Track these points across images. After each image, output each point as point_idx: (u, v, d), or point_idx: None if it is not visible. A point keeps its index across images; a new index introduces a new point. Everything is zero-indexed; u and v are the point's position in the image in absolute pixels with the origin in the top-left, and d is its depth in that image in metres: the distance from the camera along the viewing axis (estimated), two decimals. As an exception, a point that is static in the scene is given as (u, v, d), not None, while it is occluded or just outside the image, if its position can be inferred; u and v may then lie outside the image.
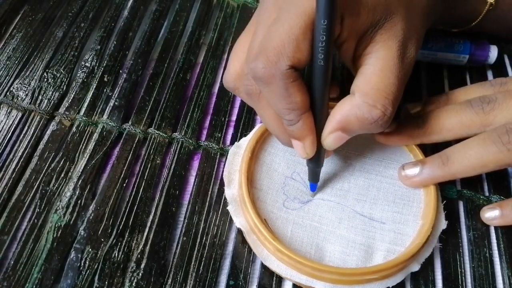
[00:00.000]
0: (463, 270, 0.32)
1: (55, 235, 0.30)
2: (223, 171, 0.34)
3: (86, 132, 0.35)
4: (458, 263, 0.32)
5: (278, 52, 0.26)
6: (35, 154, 0.34)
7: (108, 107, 0.37)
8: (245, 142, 0.34)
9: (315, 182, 0.32)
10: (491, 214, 0.33)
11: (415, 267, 0.30)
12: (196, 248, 0.31)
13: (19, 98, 0.36)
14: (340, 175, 0.34)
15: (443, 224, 0.32)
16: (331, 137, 0.29)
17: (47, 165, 0.33)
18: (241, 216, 0.31)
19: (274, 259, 0.30)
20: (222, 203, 0.33)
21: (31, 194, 0.32)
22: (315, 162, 0.31)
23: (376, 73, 0.28)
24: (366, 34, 0.29)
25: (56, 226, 0.30)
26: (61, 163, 0.33)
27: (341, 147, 0.35)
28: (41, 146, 0.34)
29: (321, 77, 0.27)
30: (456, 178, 0.34)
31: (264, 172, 0.33)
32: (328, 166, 0.34)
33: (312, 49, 0.26)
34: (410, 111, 0.37)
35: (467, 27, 0.41)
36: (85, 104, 0.37)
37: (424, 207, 0.33)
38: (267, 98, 0.28)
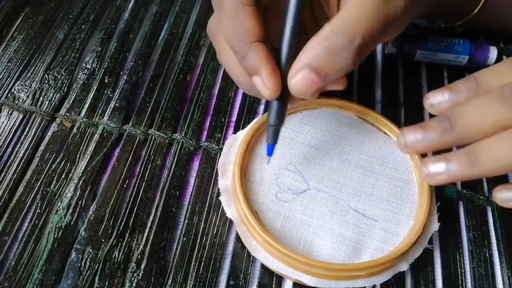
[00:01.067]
0: (463, 270, 0.32)
1: (55, 236, 0.30)
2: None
3: (87, 133, 0.35)
4: (458, 263, 0.32)
5: None
6: (36, 155, 0.34)
7: (108, 109, 0.37)
8: (242, 135, 0.35)
9: (273, 143, 0.30)
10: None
11: (403, 266, 0.30)
12: (196, 249, 0.31)
13: (20, 100, 0.37)
14: (337, 168, 0.34)
15: (435, 226, 0.32)
16: (299, 77, 0.27)
17: (48, 166, 0.33)
18: (232, 207, 0.32)
19: (262, 251, 0.30)
20: (222, 204, 0.33)
21: (32, 195, 0.32)
22: (278, 115, 0.29)
23: (351, 10, 0.27)
24: None
25: (57, 226, 0.31)
26: (62, 164, 0.33)
27: (339, 143, 0.35)
28: (42, 147, 0.34)
29: (293, 9, 0.27)
30: (483, 177, 0.32)
31: (258, 165, 0.34)
32: (325, 158, 0.34)
33: None
34: (431, 100, 0.31)
35: (468, 17, 0.41)
36: (86, 106, 0.37)
37: (417, 208, 0.33)
38: (221, 25, 0.28)
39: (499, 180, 0.36)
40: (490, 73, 0.30)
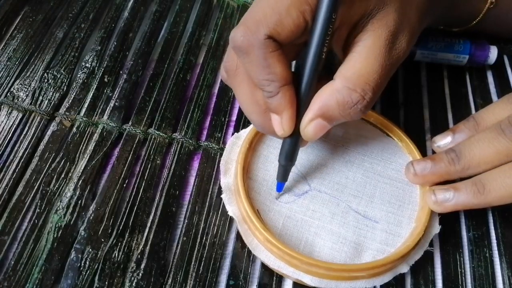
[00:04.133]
0: (463, 270, 0.32)
1: (55, 235, 0.30)
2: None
3: (87, 132, 0.35)
4: (458, 263, 0.32)
5: (258, 22, 0.26)
6: (35, 155, 0.34)
7: (108, 108, 0.37)
8: (245, 133, 0.35)
9: (283, 181, 0.32)
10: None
11: (404, 268, 0.30)
12: (196, 248, 0.31)
13: (20, 99, 0.36)
14: (339, 169, 0.34)
15: (436, 229, 0.32)
16: (311, 126, 0.29)
17: (47, 166, 0.33)
18: (234, 205, 0.32)
19: (263, 249, 0.30)
20: (222, 203, 0.33)
21: (32, 195, 0.32)
22: (289, 156, 0.30)
23: (360, 60, 0.28)
24: (359, 23, 0.29)
25: (57, 226, 0.30)
26: (62, 163, 0.33)
27: (341, 144, 0.35)
28: (41, 146, 0.34)
29: (312, 62, 0.28)
30: (491, 205, 0.32)
31: (261, 164, 0.34)
32: (327, 159, 0.34)
33: (295, 29, 0.27)
34: (438, 143, 0.35)
35: (467, 26, 0.41)
36: (86, 105, 0.37)
37: (418, 210, 0.33)
38: (247, 70, 0.28)
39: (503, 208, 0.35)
40: (487, 112, 0.34)
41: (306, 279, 0.29)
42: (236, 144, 0.35)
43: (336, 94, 0.28)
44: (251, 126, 0.35)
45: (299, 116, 0.29)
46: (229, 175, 0.33)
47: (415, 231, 0.31)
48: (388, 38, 0.28)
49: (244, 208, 0.31)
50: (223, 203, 0.33)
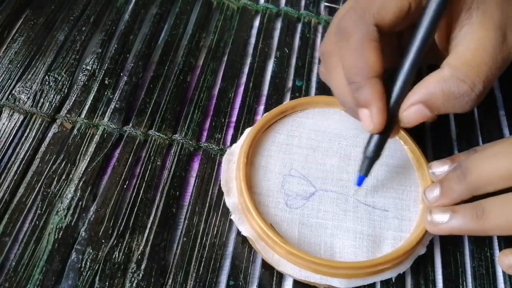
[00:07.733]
0: (463, 270, 0.32)
1: (56, 237, 0.30)
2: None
3: (87, 134, 0.36)
4: (459, 262, 0.32)
5: (365, 8, 0.27)
6: (36, 157, 0.34)
7: (109, 110, 0.37)
8: (237, 148, 0.34)
9: (366, 175, 0.31)
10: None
11: (422, 250, 0.31)
12: (196, 249, 0.31)
13: (21, 101, 0.37)
14: (337, 165, 0.34)
15: None
16: (412, 110, 0.28)
17: (48, 167, 0.33)
18: (246, 224, 0.31)
19: (286, 263, 0.30)
20: (222, 204, 0.33)
21: (33, 196, 0.32)
22: (377, 149, 0.30)
23: (470, 51, 0.27)
24: (461, 15, 0.28)
25: (57, 227, 0.31)
26: (62, 165, 0.34)
27: (334, 140, 0.35)
28: (42, 148, 0.34)
29: (418, 45, 0.27)
30: (489, 234, 0.31)
31: (261, 175, 0.33)
32: (324, 158, 0.34)
33: (398, 12, 0.27)
34: (434, 169, 0.33)
35: None
36: (86, 107, 0.37)
37: (421, 191, 0.33)
38: (341, 56, 0.28)
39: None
40: (489, 145, 0.32)
41: (335, 282, 0.29)
42: (231, 160, 0.34)
43: (443, 83, 0.27)
44: (243, 139, 0.35)
45: (392, 110, 0.28)
46: (232, 194, 0.32)
47: (424, 212, 0.31)
48: (497, 31, 0.27)
49: (258, 225, 0.30)
50: (223, 203, 0.33)
